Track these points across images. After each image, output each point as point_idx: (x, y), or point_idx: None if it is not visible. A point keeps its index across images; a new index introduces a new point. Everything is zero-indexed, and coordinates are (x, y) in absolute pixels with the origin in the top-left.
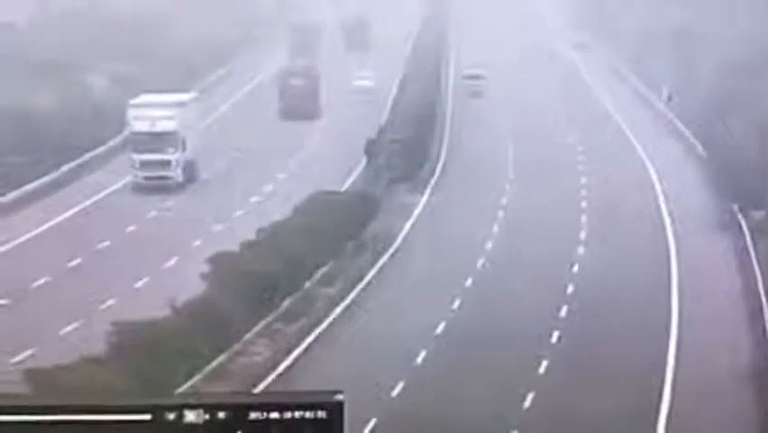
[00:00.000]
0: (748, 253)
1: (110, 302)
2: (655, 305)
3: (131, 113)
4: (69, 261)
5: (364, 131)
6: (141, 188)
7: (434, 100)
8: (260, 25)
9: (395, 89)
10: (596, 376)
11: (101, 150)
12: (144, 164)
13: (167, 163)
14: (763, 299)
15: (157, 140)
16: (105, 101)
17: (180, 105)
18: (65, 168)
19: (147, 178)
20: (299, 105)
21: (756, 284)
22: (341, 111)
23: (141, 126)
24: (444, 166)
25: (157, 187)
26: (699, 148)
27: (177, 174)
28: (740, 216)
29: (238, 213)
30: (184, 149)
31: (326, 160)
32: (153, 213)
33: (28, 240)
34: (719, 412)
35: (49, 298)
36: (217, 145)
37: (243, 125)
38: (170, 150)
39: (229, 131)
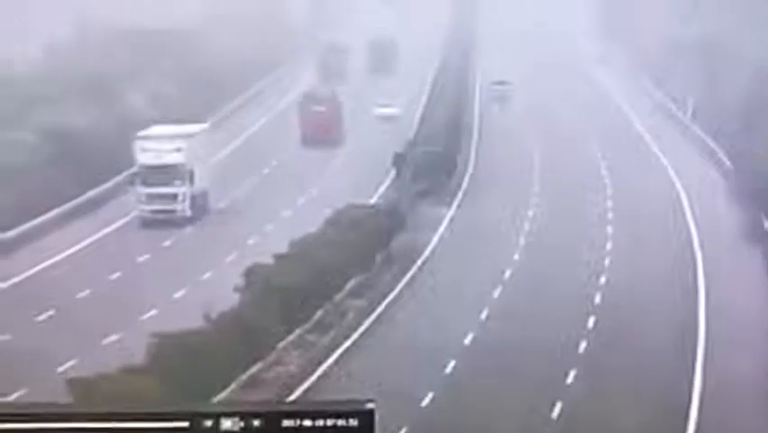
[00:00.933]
0: None
1: (113, 337)
2: (682, 307)
3: (138, 145)
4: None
5: (386, 156)
6: (148, 223)
7: (462, 115)
8: (290, 44)
9: (421, 109)
10: (623, 387)
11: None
12: (151, 197)
13: (173, 197)
14: None
15: (163, 173)
16: (142, 119)
17: (188, 136)
18: (101, 187)
19: (153, 211)
20: (321, 131)
21: None
22: (364, 137)
23: (147, 159)
24: (472, 177)
25: (164, 221)
26: (725, 160)
27: (184, 207)
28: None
29: (250, 241)
30: (192, 181)
31: (345, 187)
32: (167, 243)
33: (69, 255)
34: (746, 428)
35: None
36: (237, 173)
37: (265, 152)
38: (177, 183)
39: (252, 157)
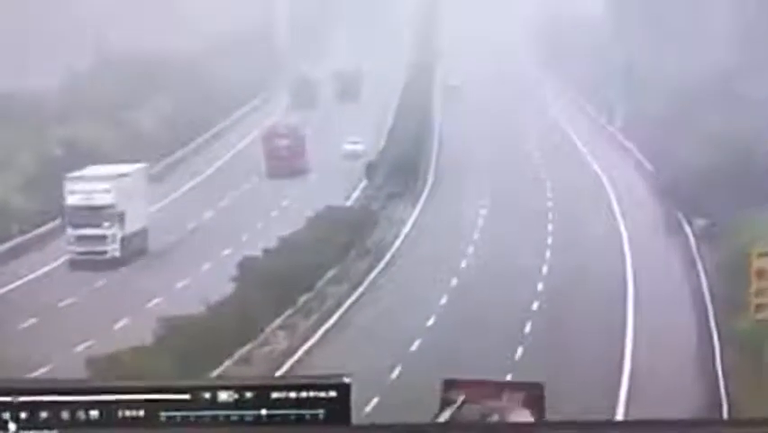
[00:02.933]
0: (693, 254)
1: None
2: (613, 294)
3: (66, 186)
4: None
5: (348, 186)
6: (77, 265)
7: (423, 132)
8: (275, 72)
9: (387, 127)
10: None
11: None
12: (79, 239)
13: (102, 238)
14: (706, 292)
15: (92, 214)
16: (152, 135)
17: (118, 177)
18: None
19: (82, 253)
20: (285, 164)
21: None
22: (329, 167)
23: (75, 200)
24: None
25: (92, 262)
26: (647, 164)
27: (113, 249)
28: (685, 224)
29: (179, 284)
30: (122, 223)
31: (298, 218)
32: (98, 284)
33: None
34: (670, 382)
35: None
36: (194, 207)
37: (227, 183)
38: (106, 224)
39: (213, 189)
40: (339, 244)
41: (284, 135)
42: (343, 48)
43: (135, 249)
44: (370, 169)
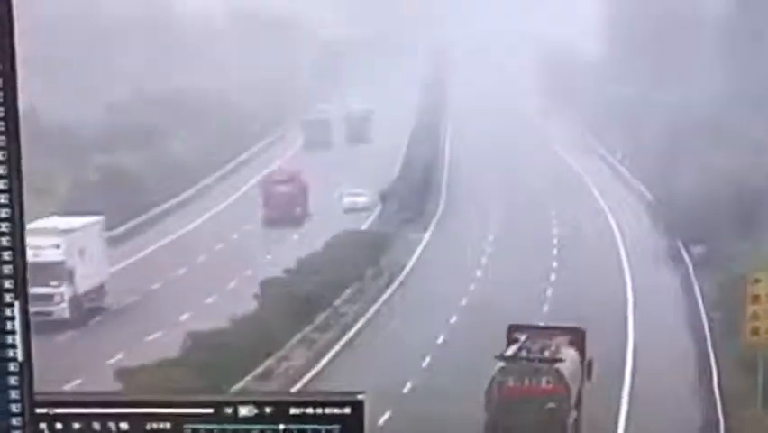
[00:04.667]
0: (690, 279)
1: None
2: (614, 310)
3: None
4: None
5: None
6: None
7: (434, 165)
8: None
9: (400, 162)
10: None
11: (172, 203)
12: (31, 298)
13: (50, 297)
14: (703, 315)
15: (39, 272)
16: (180, 162)
17: (68, 232)
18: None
19: (33, 313)
20: (284, 212)
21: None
22: (329, 215)
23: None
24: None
25: (41, 324)
26: (648, 194)
27: (62, 310)
28: (683, 250)
29: (119, 356)
30: (72, 281)
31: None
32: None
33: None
34: (668, 398)
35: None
36: (177, 257)
37: (223, 230)
38: (53, 283)
39: (207, 235)
40: (355, 265)
41: (284, 182)
42: (358, 91)
43: (89, 309)
44: (385, 195)
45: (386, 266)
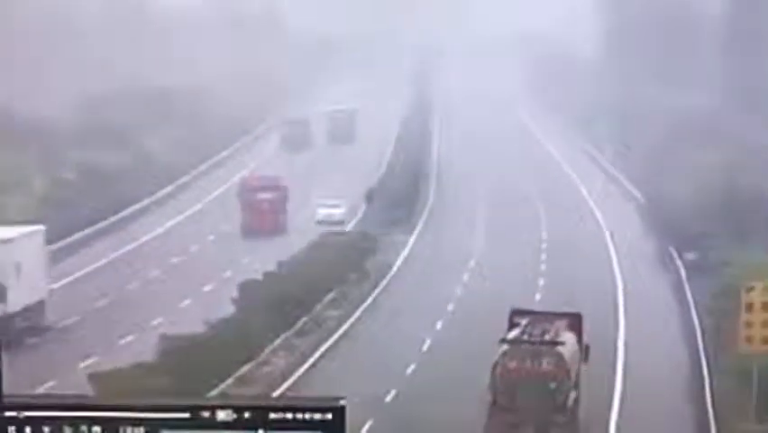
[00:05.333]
0: (683, 287)
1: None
2: (606, 319)
3: None
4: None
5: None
6: None
7: (422, 163)
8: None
9: (387, 159)
10: None
11: (148, 201)
12: None
13: None
14: (696, 323)
15: None
16: (156, 160)
17: (3, 243)
18: (116, 217)
19: None
20: (266, 222)
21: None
22: (306, 225)
23: None
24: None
25: None
26: (639, 196)
27: None
28: (676, 257)
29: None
30: (4, 300)
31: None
32: None
33: (87, 273)
34: (658, 402)
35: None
36: (151, 259)
37: (199, 231)
38: None
39: (183, 235)
40: (338, 268)
41: (267, 188)
42: (343, 89)
43: (24, 329)
44: (370, 195)
45: (370, 269)
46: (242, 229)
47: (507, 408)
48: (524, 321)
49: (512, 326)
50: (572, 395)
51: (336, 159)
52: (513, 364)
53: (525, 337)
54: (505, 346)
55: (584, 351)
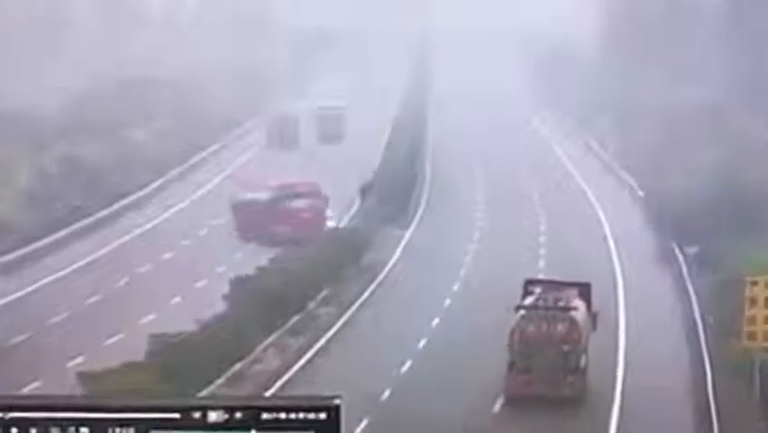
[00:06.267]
0: (684, 281)
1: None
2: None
3: None
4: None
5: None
6: None
7: (416, 158)
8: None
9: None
10: None
11: (138, 195)
12: None
13: None
14: (698, 319)
15: None
16: (144, 154)
17: None
18: (104, 211)
19: None
20: (304, 233)
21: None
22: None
23: None
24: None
25: None
26: (638, 190)
27: None
28: (677, 251)
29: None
30: None
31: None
32: None
33: (78, 268)
34: (660, 398)
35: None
36: (141, 254)
37: (190, 225)
38: None
39: (173, 230)
40: (331, 265)
41: (304, 195)
42: (335, 85)
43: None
44: (365, 190)
45: (364, 266)
46: (270, 239)
47: (524, 369)
48: (537, 289)
49: (526, 294)
50: (583, 359)
51: (324, 160)
52: (530, 329)
53: (541, 304)
54: (522, 312)
55: (593, 318)
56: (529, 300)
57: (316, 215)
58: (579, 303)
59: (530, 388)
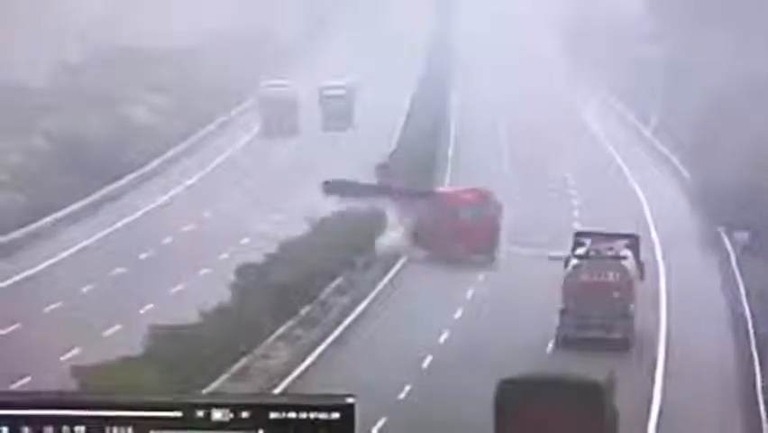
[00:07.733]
0: (733, 271)
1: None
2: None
3: None
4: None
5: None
6: None
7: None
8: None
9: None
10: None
11: (135, 174)
12: None
13: None
14: (747, 312)
15: None
16: (143, 129)
17: None
18: (104, 190)
19: None
20: (478, 246)
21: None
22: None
23: None
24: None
25: None
26: (684, 171)
27: None
28: (725, 238)
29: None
30: None
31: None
32: None
33: (76, 252)
34: (706, 405)
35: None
36: (140, 239)
37: (193, 208)
38: None
39: (175, 213)
40: (346, 251)
41: (476, 205)
42: (339, 61)
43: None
44: (381, 169)
45: (379, 253)
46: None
47: (576, 314)
48: (587, 241)
49: (577, 245)
50: (631, 306)
51: (330, 144)
52: (583, 276)
53: (593, 253)
54: (575, 261)
55: (641, 268)
56: (581, 250)
57: (490, 230)
58: (628, 253)
59: (582, 332)
